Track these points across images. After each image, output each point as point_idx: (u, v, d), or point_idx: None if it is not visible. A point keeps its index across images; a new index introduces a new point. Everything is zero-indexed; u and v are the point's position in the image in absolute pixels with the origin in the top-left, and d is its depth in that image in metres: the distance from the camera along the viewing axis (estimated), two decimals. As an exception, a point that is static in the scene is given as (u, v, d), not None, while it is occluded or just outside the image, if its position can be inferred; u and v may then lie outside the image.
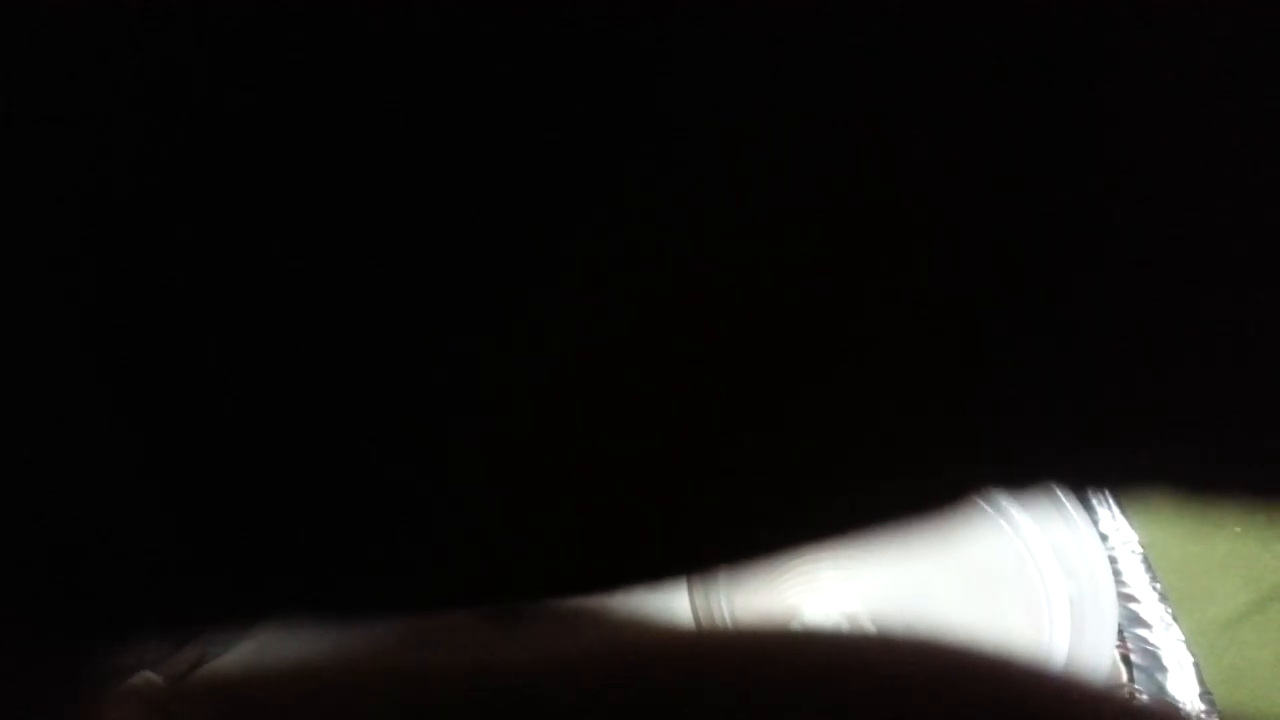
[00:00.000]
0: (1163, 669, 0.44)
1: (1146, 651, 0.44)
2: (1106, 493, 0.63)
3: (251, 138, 0.07)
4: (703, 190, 0.08)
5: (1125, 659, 0.44)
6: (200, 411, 0.08)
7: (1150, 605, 0.49)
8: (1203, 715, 0.41)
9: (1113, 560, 0.49)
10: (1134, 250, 0.09)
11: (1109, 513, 0.51)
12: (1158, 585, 0.49)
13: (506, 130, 0.07)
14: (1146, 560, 0.49)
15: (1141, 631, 0.46)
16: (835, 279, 0.09)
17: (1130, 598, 0.48)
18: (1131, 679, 0.44)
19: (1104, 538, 0.49)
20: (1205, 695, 0.43)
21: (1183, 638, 0.47)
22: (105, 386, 0.08)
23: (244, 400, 0.08)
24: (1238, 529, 0.62)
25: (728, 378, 0.09)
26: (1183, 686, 0.44)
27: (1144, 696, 0.41)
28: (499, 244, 0.08)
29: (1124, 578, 0.49)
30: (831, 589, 0.46)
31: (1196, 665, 0.44)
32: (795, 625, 0.43)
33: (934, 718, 0.12)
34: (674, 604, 0.42)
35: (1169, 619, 0.47)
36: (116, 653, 0.10)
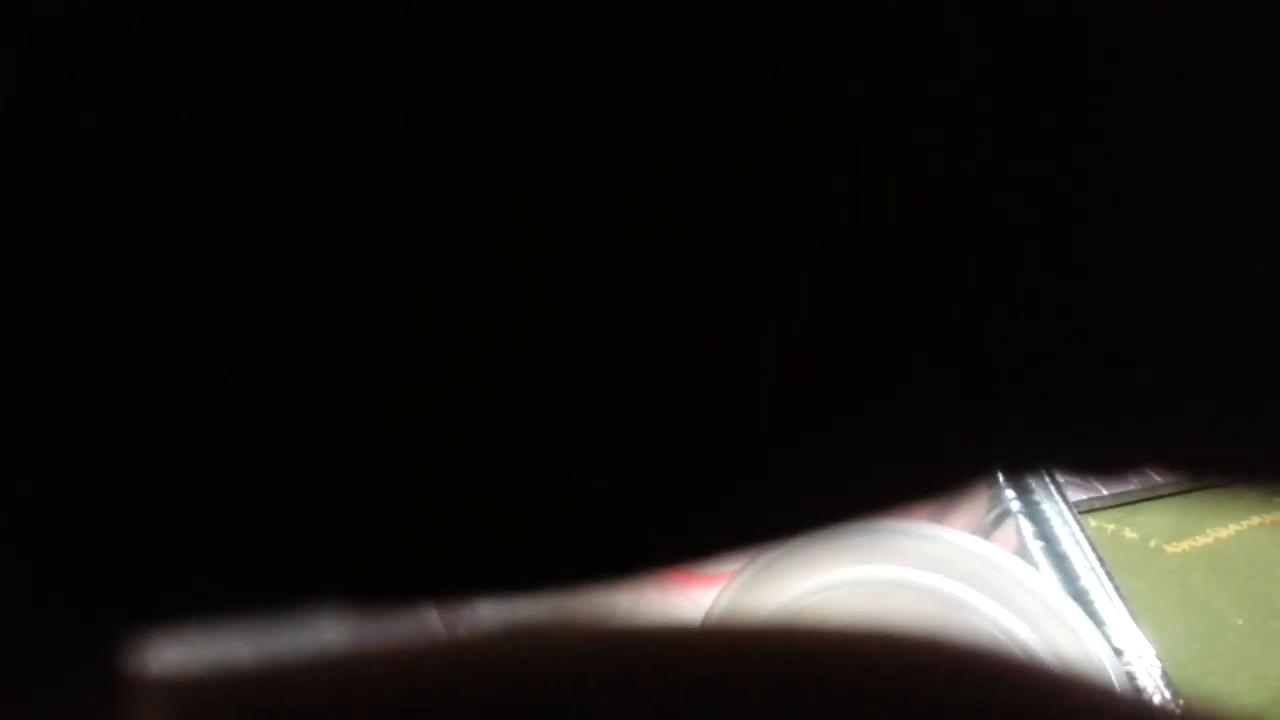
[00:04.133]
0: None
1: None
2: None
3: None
4: (696, 176, 0.08)
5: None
6: (216, 407, 0.08)
7: (1174, 725, 0.45)
8: None
9: (1131, 676, 0.45)
10: (1135, 232, 0.09)
11: (1121, 625, 0.48)
12: (1181, 702, 0.45)
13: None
14: (1166, 675, 0.46)
15: (1169, 757, 0.42)
16: (827, 261, 0.09)
17: (1153, 719, 0.45)
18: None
19: (1119, 653, 0.46)
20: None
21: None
22: (123, 377, 0.08)
23: (254, 394, 0.08)
24: (1240, 621, 0.60)
25: (712, 353, 0.09)
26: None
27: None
28: (465, 231, 0.08)
29: (1145, 696, 0.45)
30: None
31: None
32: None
33: (932, 711, 0.12)
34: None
35: (1195, 740, 0.44)
36: (136, 650, 0.10)
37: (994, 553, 0.45)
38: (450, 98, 0.08)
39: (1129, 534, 0.61)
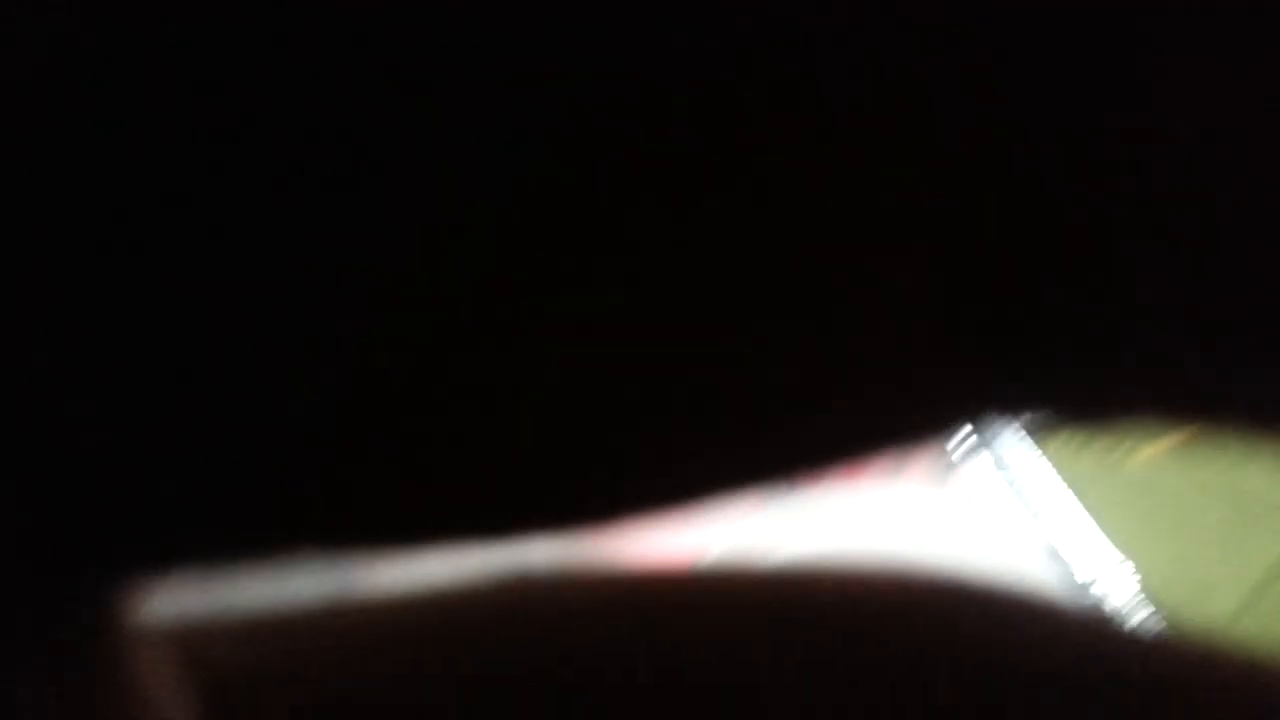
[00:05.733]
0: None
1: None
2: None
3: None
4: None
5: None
6: (195, 362, 0.08)
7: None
8: None
9: (1107, 594, 0.45)
10: (1134, 178, 0.09)
11: (1092, 542, 0.48)
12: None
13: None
14: (1145, 586, 0.46)
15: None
16: (795, 203, 0.09)
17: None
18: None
19: (1092, 573, 0.46)
20: None
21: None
22: (110, 333, 0.08)
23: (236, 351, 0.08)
24: (1214, 516, 0.60)
25: (690, 301, 0.09)
26: None
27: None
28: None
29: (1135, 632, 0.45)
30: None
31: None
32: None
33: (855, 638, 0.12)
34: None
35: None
36: (133, 600, 0.10)
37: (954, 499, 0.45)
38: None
39: (1090, 448, 0.61)
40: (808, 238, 0.09)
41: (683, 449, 0.10)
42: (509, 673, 0.12)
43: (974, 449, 0.51)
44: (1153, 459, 0.62)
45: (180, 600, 0.10)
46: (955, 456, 0.51)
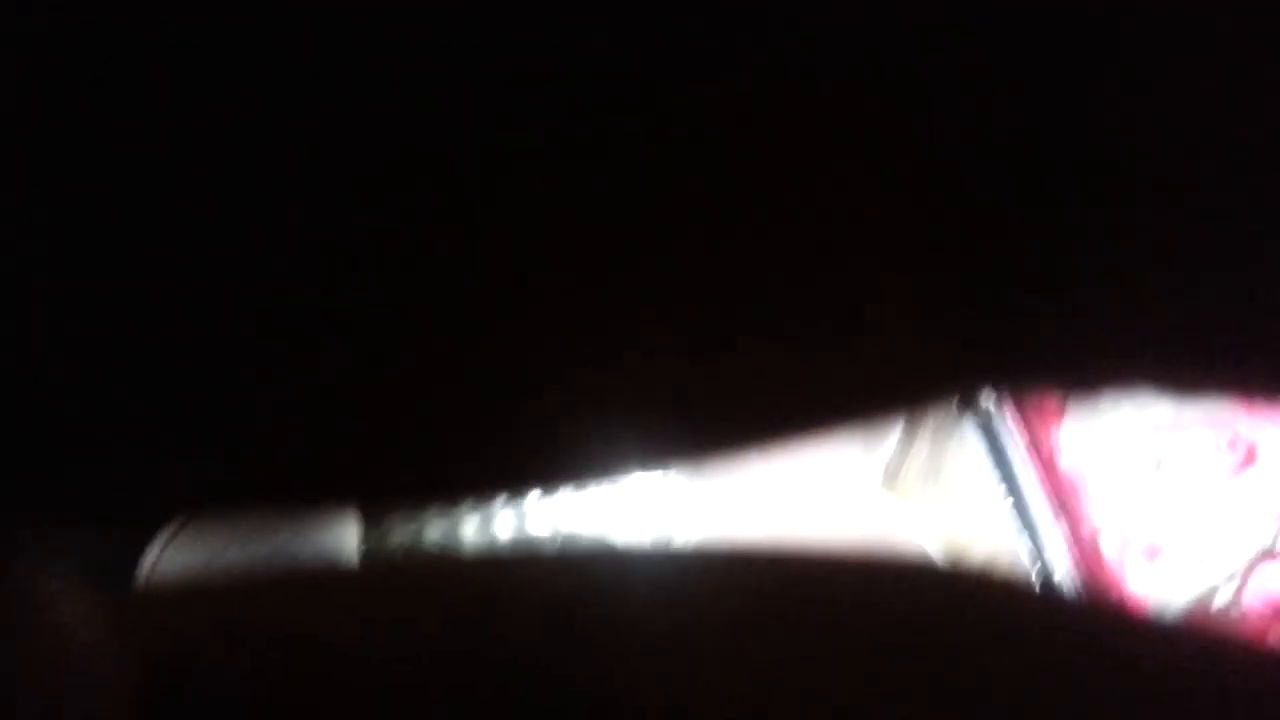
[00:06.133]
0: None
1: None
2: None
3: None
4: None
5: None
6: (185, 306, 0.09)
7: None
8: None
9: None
10: (1120, 146, 0.09)
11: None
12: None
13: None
14: None
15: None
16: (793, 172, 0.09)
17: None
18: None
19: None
20: None
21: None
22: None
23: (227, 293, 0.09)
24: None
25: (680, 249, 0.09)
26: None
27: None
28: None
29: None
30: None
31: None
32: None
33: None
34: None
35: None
36: (70, 549, 0.09)
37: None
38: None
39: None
40: (802, 233, 0.09)
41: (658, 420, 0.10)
42: (480, 646, 0.12)
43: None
44: None
45: (128, 560, 0.10)
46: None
